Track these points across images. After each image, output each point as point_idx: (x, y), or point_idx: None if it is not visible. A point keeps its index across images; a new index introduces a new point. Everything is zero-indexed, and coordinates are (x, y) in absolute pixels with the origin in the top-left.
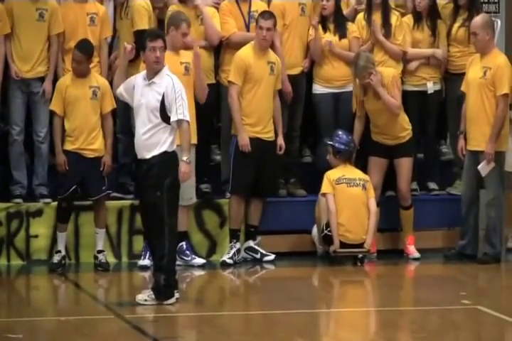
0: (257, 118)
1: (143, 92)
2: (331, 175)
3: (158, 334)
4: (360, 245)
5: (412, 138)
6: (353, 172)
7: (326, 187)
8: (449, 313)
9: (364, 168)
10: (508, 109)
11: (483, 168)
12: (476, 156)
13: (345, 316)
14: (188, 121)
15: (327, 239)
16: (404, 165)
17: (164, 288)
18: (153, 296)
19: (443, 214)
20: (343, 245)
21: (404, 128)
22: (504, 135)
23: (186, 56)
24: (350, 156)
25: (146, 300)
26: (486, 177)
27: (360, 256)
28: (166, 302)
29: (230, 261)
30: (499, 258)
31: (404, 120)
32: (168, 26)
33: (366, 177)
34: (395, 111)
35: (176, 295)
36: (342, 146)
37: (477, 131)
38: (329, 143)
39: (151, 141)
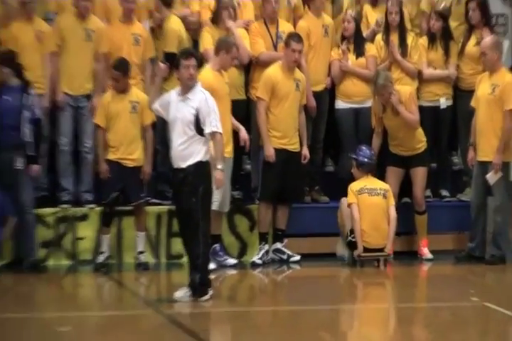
0: (283, 131)
1: (178, 107)
2: (353, 186)
3: (194, 328)
4: (381, 249)
5: (427, 149)
6: (374, 183)
7: (350, 197)
8: (459, 309)
9: (381, 178)
10: None
11: (491, 177)
12: (485, 166)
13: (365, 312)
14: (220, 133)
15: (351, 245)
16: (419, 174)
17: (199, 285)
18: (189, 293)
19: (454, 219)
20: (365, 250)
21: (420, 141)
22: (510, 147)
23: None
24: (372, 168)
25: (183, 297)
26: (494, 185)
27: (381, 259)
28: (201, 299)
29: (260, 262)
30: (505, 260)
31: (420, 133)
32: (219, 49)
33: (387, 186)
34: (414, 126)
35: (210, 292)
36: (365, 160)
37: (486, 143)
38: (353, 156)
39: (187, 151)
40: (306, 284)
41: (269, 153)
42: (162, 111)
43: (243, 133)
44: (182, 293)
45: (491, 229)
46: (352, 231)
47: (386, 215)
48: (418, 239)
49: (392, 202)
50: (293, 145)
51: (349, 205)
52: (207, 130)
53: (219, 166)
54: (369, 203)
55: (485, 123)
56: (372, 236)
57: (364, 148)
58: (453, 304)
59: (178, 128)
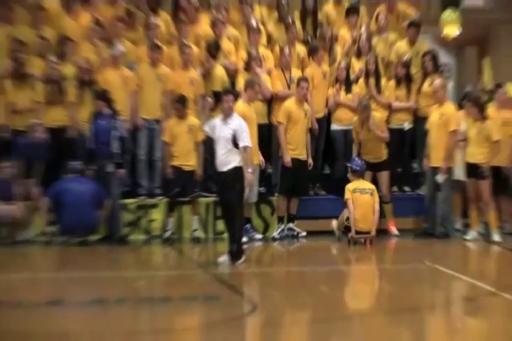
0: (295, 145)
1: (221, 129)
2: (349, 186)
3: (233, 282)
4: (368, 232)
5: (389, 157)
6: (364, 184)
7: (347, 195)
8: (416, 270)
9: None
10: (455, 140)
11: (440, 177)
12: (435, 170)
13: (351, 272)
14: (250, 147)
15: (347, 228)
16: (384, 176)
17: (236, 253)
18: (228, 259)
19: (413, 207)
20: (357, 232)
21: (383, 151)
22: (453, 156)
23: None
24: (363, 174)
25: (224, 261)
26: (441, 183)
27: (368, 239)
28: (236, 263)
29: (277, 236)
30: (449, 235)
31: (383, 146)
32: (246, 87)
33: (373, 186)
34: (384, 140)
35: (243, 257)
36: (357, 168)
37: (436, 154)
38: (348, 165)
39: (227, 160)
40: (310, 252)
41: (287, 160)
42: (210, 132)
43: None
44: (223, 259)
45: (439, 214)
46: (347, 219)
47: (372, 208)
48: (387, 221)
49: (376, 199)
50: (302, 156)
51: (346, 200)
52: (241, 144)
53: (250, 170)
54: (361, 200)
55: (435, 140)
56: (362, 223)
57: (356, 159)
58: (412, 266)
59: (221, 143)
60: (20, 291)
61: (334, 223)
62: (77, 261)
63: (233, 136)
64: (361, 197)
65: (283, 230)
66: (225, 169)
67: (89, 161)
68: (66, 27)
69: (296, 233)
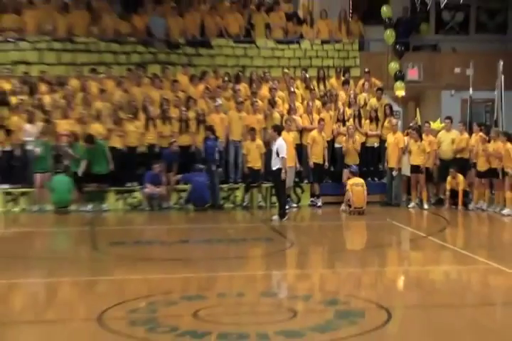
0: (317, 155)
1: (272, 146)
2: (349, 182)
3: (280, 230)
4: (361, 207)
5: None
6: (358, 180)
7: (348, 186)
8: (379, 225)
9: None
10: (401, 152)
11: (394, 172)
12: (391, 169)
13: (348, 225)
14: (285, 157)
15: (349, 205)
16: None
17: (282, 214)
18: (277, 217)
19: (380, 189)
20: (354, 208)
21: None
22: (401, 161)
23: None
24: (357, 174)
25: (275, 219)
26: (395, 176)
27: (361, 211)
28: (282, 220)
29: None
30: (399, 205)
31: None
32: (286, 123)
33: (363, 181)
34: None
35: (286, 217)
36: (354, 171)
37: (391, 160)
38: (349, 169)
39: (274, 163)
40: (325, 215)
41: (311, 164)
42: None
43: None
44: (275, 217)
45: (393, 193)
46: (349, 200)
47: (363, 194)
48: None
49: (365, 188)
50: (320, 161)
51: (347, 190)
52: (280, 155)
53: (283, 170)
54: (356, 189)
55: (391, 152)
56: (357, 203)
57: (353, 166)
58: (377, 222)
59: (273, 154)
60: (162, 235)
61: (343, 207)
62: (196, 218)
63: (277, 150)
64: (356, 188)
65: (312, 202)
66: (274, 168)
67: (202, 163)
68: (191, 91)
69: (317, 204)
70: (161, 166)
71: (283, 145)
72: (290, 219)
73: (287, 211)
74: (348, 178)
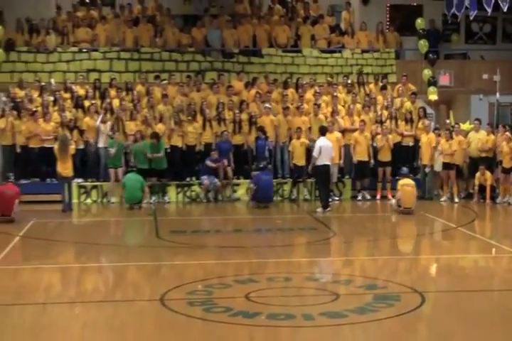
0: (361, 153)
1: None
2: (400, 182)
3: (323, 220)
4: (410, 208)
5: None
6: (408, 181)
7: (398, 187)
8: (414, 217)
9: None
10: (433, 151)
11: (427, 169)
12: (425, 166)
13: (389, 218)
14: (315, 156)
15: (399, 205)
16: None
17: (325, 206)
18: (321, 209)
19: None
20: (404, 208)
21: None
22: (433, 158)
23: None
24: (408, 175)
25: (319, 211)
26: (428, 172)
27: (410, 212)
28: (325, 211)
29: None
30: (432, 199)
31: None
32: (329, 124)
33: (413, 183)
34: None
35: (329, 209)
36: (404, 173)
37: (425, 158)
38: (400, 171)
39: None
40: (365, 208)
41: (354, 160)
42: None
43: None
44: (319, 209)
45: (427, 188)
46: (399, 200)
47: (413, 195)
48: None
49: (415, 188)
50: (365, 158)
51: (398, 190)
52: (313, 154)
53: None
54: (406, 190)
55: (424, 151)
56: (407, 203)
57: (404, 168)
58: (415, 215)
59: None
60: (217, 225)
61: (393, 201)
62: (248, 210)
63: (320, 148)
64: (407, 188)
65: (356, 196)
66: (319, 164)
67: (254, 161)
68: (243, 96)
69: (362, 197)
70: (217, 153)
71: (318, 145)
72: (333, 210)
73: (330, 203)
74: (398, 179)
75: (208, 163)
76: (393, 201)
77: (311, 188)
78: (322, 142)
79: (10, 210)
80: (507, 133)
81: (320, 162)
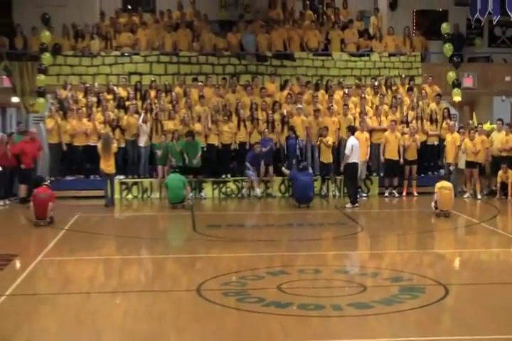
0: (390, 152)
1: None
2: (437, 185)
3: (350, 215)
4: (447, 210)
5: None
6: (446, 184)
7: (436, 189)
8: (421, 213)
9: None
10: (458, 149)
11: (451, 167)
12: (449, 164)
13: (414, 214)
14: (347, 154)
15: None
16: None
17: (353, 202)
18: (350, 205)
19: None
20: (441, 210)
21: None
22: (457, 157)
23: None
24: (444, 178)
25: (348, 207)
26: (452, 170)
27: (447, 214)
28: (354, 206)
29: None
30: (456, 195)
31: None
32: (359, 124)
33: (450, 185)
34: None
35: (357, 204)
36: (442, 175)
37: (449, 156)
38: (437, 174)
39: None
40: (392, 204)
41: (382, 159)
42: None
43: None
44: (348, 205)
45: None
46: (436, 202)
47: (451, 198)
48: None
49: (452, 191)
50: (395, 157)
51: (435, 192)
52: (345, 151)
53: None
54: (444, 193)
55: (449, 150)
56: (444, 206)
57: (442, 170)
58: (431, 210)
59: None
60: (251, 219)
61: (433, 204)
62: (281, 205)
63: (351, 146)
64: (445, 191)
65: (389, 193)
66: (350, 161)
67: (285, 159)
68: (276, 97)
69: (391, 194)
70: (260, 147)
71: (350, 144)
72: (361, 206)
73: (358, 200)
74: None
75: (258, 150)
76: (432, 204)
77: (340, 185)
78: (353, 141)
79: (44, 213)
80: None
81: (350, 160)
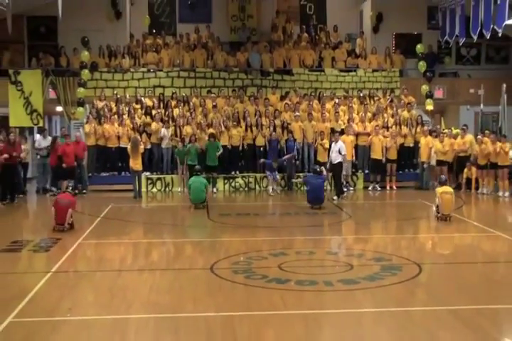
0: (375, 152)
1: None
2: (438, 190)
3: (340, 206)
4: (449, 214)
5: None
6: (447, 189)
7: (437, 194)
8: (413, 204)
9: None
10: (430, 151)
11: (425, 165)
12: (423, 162)
13: (393, 205)
14: (345, 154)
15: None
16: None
17: (339, 194)
18: (336, 197)
19: (414, 177)
20: (442, 214)
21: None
22: (430, 157)
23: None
24: (446, 183)
25: (335, 199)
26: (425, 167)
27: (448, 218)
28: (341, 197)
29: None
30: (428, 189)
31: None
32: (345, 129)
33: (452, 190)
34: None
35: (342, 196)
36: (442, 181)
37: (423, 156)
38: (438, 179)
39: (334, 158)
40: (374, 196)
41: (372, 158)
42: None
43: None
44: (335, 197)
45: (424, 179)
46: (437, 207)
47: (451, 202)
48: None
49: (453, 195)
50: (379, 157)
51: (437, 197)
52: (342, 153)
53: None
54: (445, 198)
55: (422, 151)
56: (446, 210)
57: (442, 176)
58: (412, 201)
59: (334, 152)
60: (256, 209)
61: (434, 208)
62: (281, 197)
63: (339, 149)
64: (446, 196)
65: (373, 187)
66: (335, 162)
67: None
68: (277, 106)
69: (374, 188)
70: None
71: (343, 146)
72: (347, 198)
73: (345, 193)
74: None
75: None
76: (434, 208)
77: (330, 180)
78: (340, 144)
79: (63, 219)
80: (485, 137)
81: (337, 160)
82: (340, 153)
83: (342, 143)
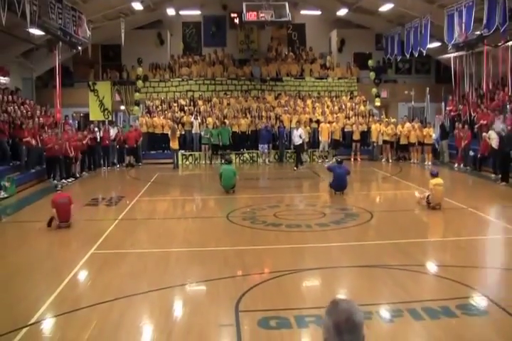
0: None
1: (296, 131)
2: (432, 182)
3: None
4: (439, 204)
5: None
6: (439, 181)
7: (431, 186)
8: (366, 171)
9: None
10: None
11: (375, 144)
12: (374, 142)
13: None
14: (304, 138)
15: (428, 203)
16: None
17: (298, 165)
18: (296, 167)
19: (368, 151)
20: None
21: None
22: (379, 137)
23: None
24: (437, 175)
25: (298, 168)
26: (376, 145)
27: (438, 207)
28: (299, 167)
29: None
30: (377, 160)
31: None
32: (320, 118)
33: (442, 182)
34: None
35: (300, 167)
36: (434, 173)
37: (374, 137)
38: (430, 172)
39: (297, 140)
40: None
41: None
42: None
43: None
44: (295, 168)
45: (374, 153)
46: (428, 197)
47: (442, 194)
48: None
49: (443, 188)
50: (337, 138)
51: (430, 189)
52: (302, 137)
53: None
54: (437, 190)
55: (373, 133)
56: (437, 200)
57: (434, 169)
58: (365, 169)
59: (297, 136)
60: (258, 175)
61: (417, 194)
62: (276, 167)
63: (300, 134)
64: (439, 188)
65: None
66: (296, 144)
67: (277, 139)
68: (273, 103)
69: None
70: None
71: (303, 132)
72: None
73: (304, 165)
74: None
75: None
76: (416, 193)
77: (295, 155)
78: (300, 131)
79: (68, 216)
80: (418, 123)
81: (299, 142)
82: (300, 137)
83: (302, 129)
